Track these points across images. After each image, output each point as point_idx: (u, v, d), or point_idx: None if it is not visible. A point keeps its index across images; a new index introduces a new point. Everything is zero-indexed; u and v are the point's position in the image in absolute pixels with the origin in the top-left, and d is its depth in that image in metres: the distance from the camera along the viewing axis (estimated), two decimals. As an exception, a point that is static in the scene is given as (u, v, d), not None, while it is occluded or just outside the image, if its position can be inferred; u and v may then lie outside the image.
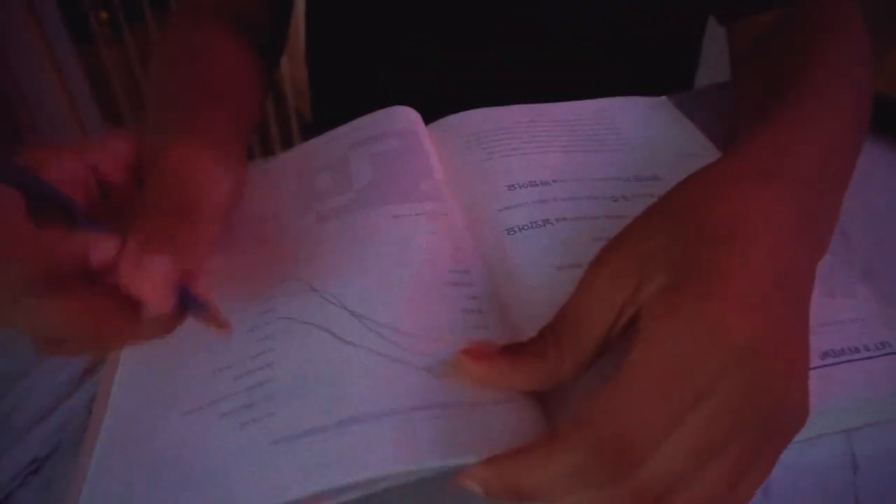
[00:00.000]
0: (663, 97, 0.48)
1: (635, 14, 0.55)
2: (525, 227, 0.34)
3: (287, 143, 1.65)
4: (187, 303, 0.26)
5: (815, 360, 0.28)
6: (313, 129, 0.71)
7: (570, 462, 0.21)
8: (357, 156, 0.38)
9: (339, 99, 0.64)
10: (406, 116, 0.41)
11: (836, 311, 0.31)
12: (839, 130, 0.32)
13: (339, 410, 0.25)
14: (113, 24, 1.54)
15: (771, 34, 0.46)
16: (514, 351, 0.25)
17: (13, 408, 0.32)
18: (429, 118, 0.43)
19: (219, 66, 0.44)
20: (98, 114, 1.60)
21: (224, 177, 0.30)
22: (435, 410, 0.25)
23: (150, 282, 0.24)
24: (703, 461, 0.21)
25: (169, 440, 0.27)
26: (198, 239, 0.26)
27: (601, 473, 0.21)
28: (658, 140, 0.42)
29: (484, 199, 0.36)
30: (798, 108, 0.32)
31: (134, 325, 0.25)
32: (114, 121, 1.63)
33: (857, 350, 0.29)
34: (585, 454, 0.21)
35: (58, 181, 0.25)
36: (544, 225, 0.34)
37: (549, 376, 0.24)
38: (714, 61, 0.94)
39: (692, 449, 0.21)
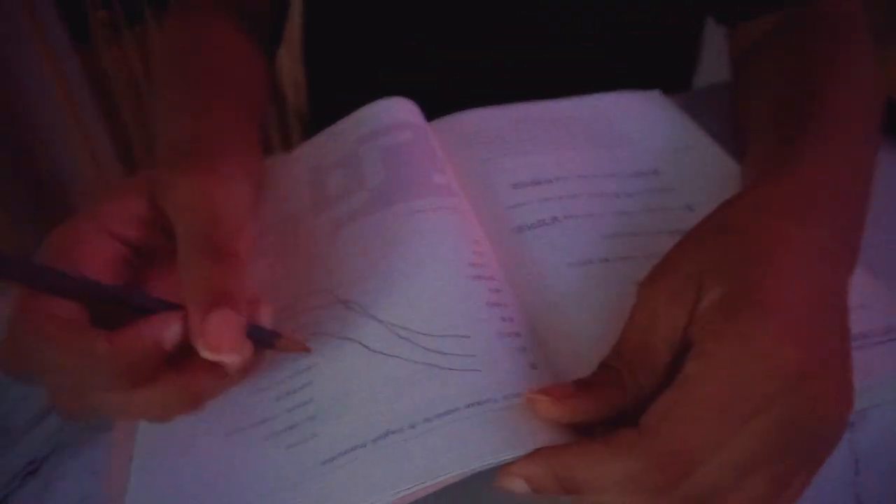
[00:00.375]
0: (656, 90, 0.48)
1: (634, 14, 0.55)
2: (534, 225, 0.34)
3: (287, 143, 1.64)
4: (261, 340, 0.26)
5: None
6: (311, 125, 0.71)
7: (630, 468, 0.22)
8: (367, 151, 0.38)
9: (338, 97, 0.64)
10: (408, 108, 0.41)
11: None
12: (861, 149, 0.34)
13: (376, 425, 0.25)
14: (113, 24, 1.54)
15: (772, 37, 0.46)
16: (589, 386, 0.25)
17: (12, 408, 0.32)
18: (427, 117, 0.43)
19: (227, 59, 0.44)
20: (98, 114, 1.60)
21: (242, 191, 0.30)
22: (473, 409, 0.25)
23: (227, 340, 0.23)
24: (745, 474, 0.22)
25: (213, 461, 0.27)
26: (241, 272, 0.26)
27: (657, 482, 0.22)
28: (654, 133, 0.42)
29: (489, 198, 0.36)
30: (821, 133, 0.33)
31: (224, 382, 0.25)
32: (114, 121, 1.63)
33: (865, 336, 0.29)
34: (647, 464, 0.22)
35: (94, 270, 0.25)
36: (553, 223, 0.34)
37: (627, 400, 0.25)
38: (713, 61, 0.94)
39: (738, 463, 0.22)
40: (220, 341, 0.23)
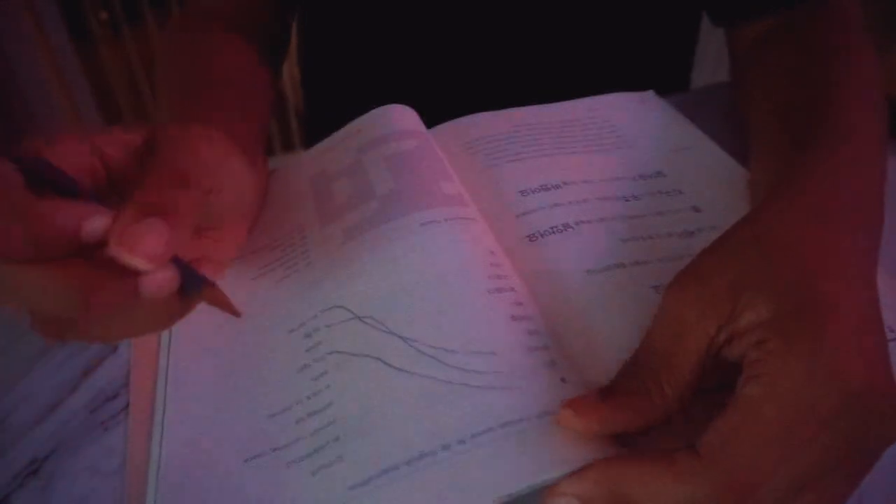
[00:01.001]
0: (650, 91, 0.48)
1: (630, 13, 0.55)
2: (547, 233, 0.33)
3: (287, 143, 1.65)
4: (192, 284, 0.25)
5: None
6: (309, 123, 0.71)
7: (690, 492, 0.21)
8: (371, 160, 0.37)
9: (333, 100, 0.64)
10: (408, 115, 0.41)
11: None
12: (878, 146, 0.33)
13: (407, 446, 0.24)
14: (113, 24, 1.54)
15: (774, 37, 0.46)
16: (614, 395, 0.24)
17: (13, 408, 0.32)
18: (425, 121, 0.42)
19: (230, 70, 0.44)
20: (98, 114, 1.60)
21: (235, 152, 0.29)
22: (507, 429, 0.24)
23: (142, 247, 0.22)
24: (803, 490, 0.22)
25: (234, 487, 0.26)
26: (194, 209, 0.24)
27: None
28: (653, 134, 0.42)
29: (498, 206, 0.36)
30: (838, 133, 0.32)
31: (129, 298, 0.23)
32: (114, 121, 1.63)
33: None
34: (712, 489, 0.21)
35: (62, 163, 0.24)
36: (565, 229, 0.34)
37: (655, 413, 0.24)
38: (711, 61, 0.94)
39: (798, 480, 0.21)
40: (137, 242, 0.22)
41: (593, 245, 0.33)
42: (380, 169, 0.36)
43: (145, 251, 0.22)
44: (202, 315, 0.29)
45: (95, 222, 0.22)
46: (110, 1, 1.48)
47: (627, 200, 0.36)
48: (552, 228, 0.34)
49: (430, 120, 0.43)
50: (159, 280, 0.23)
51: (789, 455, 0.21)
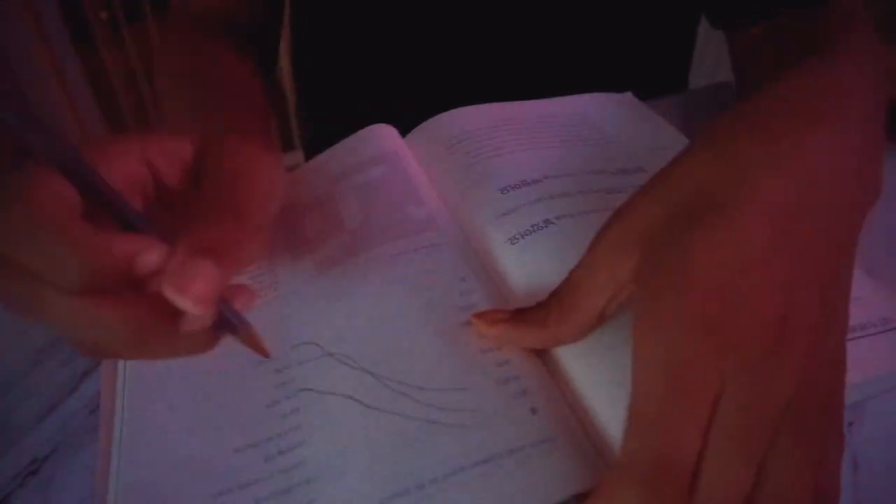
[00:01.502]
0: (628, 93, 0.48)
1: (628, 14, 0.55)
2: (527, 233, 0.33)
3: (287, 143, 1.64)
4: (229, 321, 0.25)
5: None
6: (301, 118, 0.71)
7: (629, 499, 0.21)
8: (342, 191, 0.37)
9: (326, 93, 0.64)
10: (383, 136, 0.41)
11: None
12: (874, 78, 0.30)
13: (381, 487, 0.24)
14: (113, 24, 1.54)
15: (775, 37, 0.45)
16: (520, 319, 0.27)
17: (13, 408, 0.32)
18: (414, 117, 0.42)
19: (228, 81, 0.44)
20: (98, 114, 1.60)
21: (278, 178, 0.28)
22: (480, 468, 0.24)
23: (194, 289, 0.22)
24: (758, 458, 0.21)
25: None
26: (247, 248, 0.24)
27: (662, 498, 0.21)
28: (631, 134, 0.42)
29: (479, 208, 0.36)
30: (829, 55, 0.30)
31: (173, 335, 0.23)
32: (114, 121, 1.63)
33: (864, 327, 0.29)
34: (639, 489, 0.21)
35: (111, 172, 0.23)
36: (546, 226, 0.33)
37: (551, 338, 0.27)
38: (711, 61, 0.94)
39: (739, 450, 0.21)
40: (188, 284, 0.22)
41: (574, 240, 0.32)
42: (349, 200, 0.36)
43: (195, 294, 0.22)
44: None
45: (150, 257, 0.22)
46: (110, 1, 1.48)
47: (609, 194, 0.36)
48: (533, 227, 0.33)
49: (420, 116, 0.43)
50: (202, 320, 0.23)
51: (697, 428, 0.21)
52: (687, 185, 0.24)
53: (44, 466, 0.30)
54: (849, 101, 0.26)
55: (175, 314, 0.23)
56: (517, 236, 0.33)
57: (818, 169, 0.24)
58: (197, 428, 0.28)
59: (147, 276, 0.22)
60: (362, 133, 0.41)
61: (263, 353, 0.26)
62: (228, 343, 0.26)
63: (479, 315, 0.28)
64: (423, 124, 0.43)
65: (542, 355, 0.29)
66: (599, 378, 0.27)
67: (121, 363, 0.32)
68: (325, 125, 0.42)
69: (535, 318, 0.27)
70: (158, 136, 0.26)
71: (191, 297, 0.22)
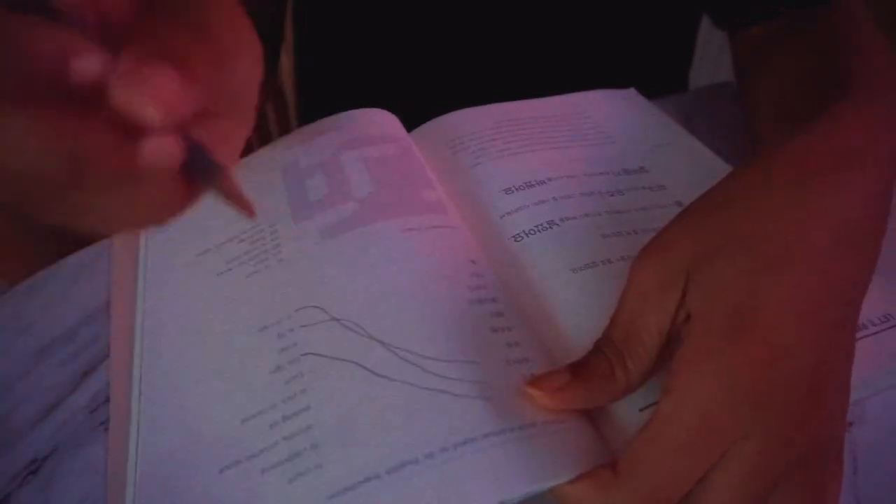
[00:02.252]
0: (631, 88, 0.48)
1: (628, 13, 0.55)
2: (532, 232, 0.33)
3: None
4: (201, 167, 0.20)
5: None
6: (303, 114, 0.71)
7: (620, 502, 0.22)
8: (350, 160, 0.37)
9: (328, 99, 0.64)
10: (390, 121, 0.40)
11: None
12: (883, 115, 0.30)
13: (390, 454, 0.24)
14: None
15: (778, 38, 0.44)
16: (580, 373, 0.25)
17: (13, 408, 0.32)
18: (416, 117, 0.42)
19: None
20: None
21: (246, 18, 0.22)
22: (490, 439, 0.24)
23: (153, 91, 0.17)
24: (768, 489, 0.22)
25: (212, 499, 0.25)
26: (214, 68, 0.19)
27: None
28: (635, 131, 0.42)
29: (482, 207, 0.36)
30: (854, 91, 0.30)
31: (128, 165, 0.17)
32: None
33: (863, 326, 0.30)
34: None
35: None
36: (550, 227, 0.34)
37: (619, 391, 0.25)
38: (712, 61, 0.94)
39: (741, 499, 0.22)
40: (147, 85, 0.16)
41: (577, 242, 0.33)
42: (358, 170, 0.36)
43: (156, 95, 0.17)
44: (168, 303, 0.29)
45: (90, 60, 0.17)
46: None
47: (612, 195, 0.36)
48: (536, 227, 0.34)
49: (422, 115, 0.43)
50: (165, 145, 0.18)
51: (701, 471, 0.22)
52: (725, 219, 0.24)
53: (44, 466, 0.30)
54: (883, 146, 0.26)
55: (128, 142, 0.17)
56: (521, 234, 0.34)
57: (854, 213, 0.24)
58: (204, 401, 0.28)
59: (84, 89, 0.17)
60: (367, 112, 0.40)
61: (246, 207, 0.21)
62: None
63: (535, 384, 0.25)
64: (426, 125, 0.43)
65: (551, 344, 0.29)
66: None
67: (135, 352, 0.31)
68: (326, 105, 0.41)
69: (599, 371, 0.25)
70: None
71: (151, 98, 0.16)
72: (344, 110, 0.41)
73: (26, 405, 0.33)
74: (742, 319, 0.22)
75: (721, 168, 0.40)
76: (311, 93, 0.67)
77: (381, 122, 0.40)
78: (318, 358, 0.28)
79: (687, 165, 0.40)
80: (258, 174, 0.38)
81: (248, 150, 0.40)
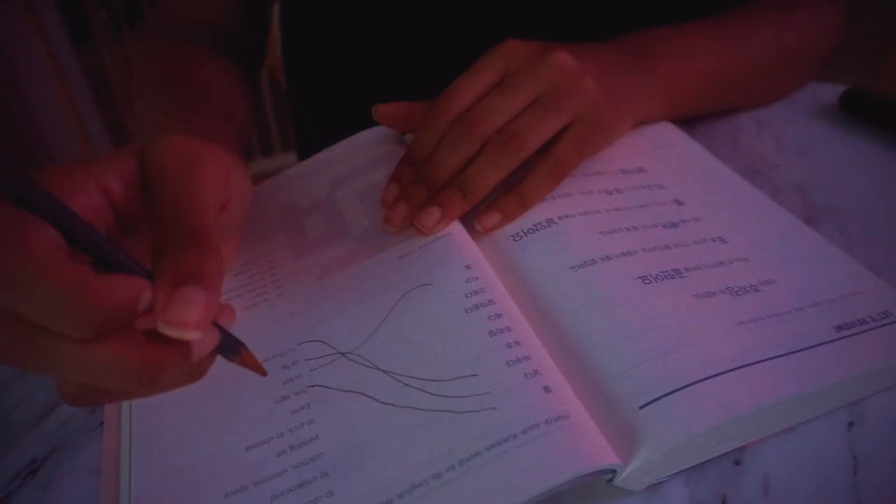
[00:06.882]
0: None
1: (628, 13, 0.55)
2: (530, 231, 0.34)
3: (287, 143, 1.65)
4: (229, 346, 0.25)
5: (830, 334, 0.29)
6: (298, 123, 0.71)
7: (433, 127, 0.36)
8: (343, 197, 0.38)
9: (319, 96, 0.64)
10: (380, 138, 0.41)
11: (833, 287, 0.32)
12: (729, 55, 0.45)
13: (399, 479, 0.25)
14: (113, 24, 1.54)
15: None
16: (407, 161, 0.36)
17: (13, 408, 0.32)
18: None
19: (207, 82, 0.44)
20: (98, 114, 1.60)
21: (235, 161, 0.28)
22: (495, 450, 0.24)
23: (189, 320, 0.21)
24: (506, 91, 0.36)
25: None
26: (216, 254, 0.23)
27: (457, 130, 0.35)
28: (631, 132, 0.42)
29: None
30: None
31: (183, 367, 0.23)
32: (114, 121, 1.63)
33: (862, 322, 0.30)
34: (436, 120, 0.36)
35: (76, 206, 0.23)
36: (549, 225, 0.34)
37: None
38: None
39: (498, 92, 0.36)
40: (186, 316, 0.21)
41: (576, 239, 0.33)
42: (353, 205, 0.37)
43: (192, 323, 0.21)
44: None
45: (146, 298, 0.22)
46: (110, 1, 1.48)
47: (610, 194, 0.36)
48: (536, 226, 0.34)
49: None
50: (207, 343, 0.23)
51: (478, 84, 0.38)
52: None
53: (44, 466, 0.30)
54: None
55: (182, 346, 0.22)
56: (520, 233, 0.34)
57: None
58: (205, 429, 0.28)
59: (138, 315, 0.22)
60: (360, 137, 0.41)
61: (260, 371, 0.26)
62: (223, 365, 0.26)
63: (389, 220, 0.34)
64: None
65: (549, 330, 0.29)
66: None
67: None
68: (319, 128, 0.42)
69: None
70: (106, 158, 0.26)
71: (191, 327, 0.21)
72: (335, 114, 0.41)
73: (26, 405, 0.33)
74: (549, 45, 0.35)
75: (719, 168, 0.40)
76: (303, 96, 0.67)
77: (372, 144, 0.40)
78: (325, 390, 0.28)
79: (684, 165, 0.40)
80: (255, 211, 0.39)
81: (250, 151, 0.40)
